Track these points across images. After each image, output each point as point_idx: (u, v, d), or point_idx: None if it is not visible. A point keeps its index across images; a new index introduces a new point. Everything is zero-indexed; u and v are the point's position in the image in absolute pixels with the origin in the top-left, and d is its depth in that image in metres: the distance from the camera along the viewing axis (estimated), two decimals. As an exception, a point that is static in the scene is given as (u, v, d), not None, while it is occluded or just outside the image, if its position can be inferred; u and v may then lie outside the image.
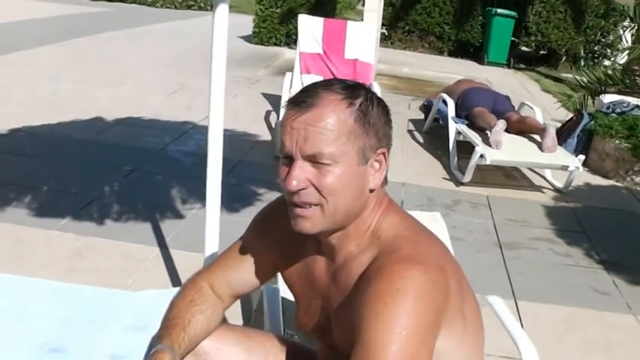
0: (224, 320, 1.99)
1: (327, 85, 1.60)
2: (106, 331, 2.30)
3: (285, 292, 2.20)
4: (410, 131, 7.84)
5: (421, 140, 7.52)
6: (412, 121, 8.26)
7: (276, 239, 1.85)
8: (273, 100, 8.35)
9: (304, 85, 1.68)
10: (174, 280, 3.87)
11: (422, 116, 8.11)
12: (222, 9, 2.84)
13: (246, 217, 4.75)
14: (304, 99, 1.56)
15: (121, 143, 6.33)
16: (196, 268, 2.05)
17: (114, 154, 6.01)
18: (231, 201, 5.02)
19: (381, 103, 1.62)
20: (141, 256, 4.13)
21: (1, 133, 6.19)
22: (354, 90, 1.59)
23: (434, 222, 2.95)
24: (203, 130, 7.25)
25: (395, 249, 1.54)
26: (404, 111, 8.75)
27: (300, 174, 1.54)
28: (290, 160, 1.56)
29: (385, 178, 1.65)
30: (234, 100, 8.15)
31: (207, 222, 3.18)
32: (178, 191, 5.23)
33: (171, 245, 4.29)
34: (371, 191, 1.61)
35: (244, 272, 1.94)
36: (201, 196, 4.97)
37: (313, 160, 1.53)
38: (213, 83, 2.94)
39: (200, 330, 1.88)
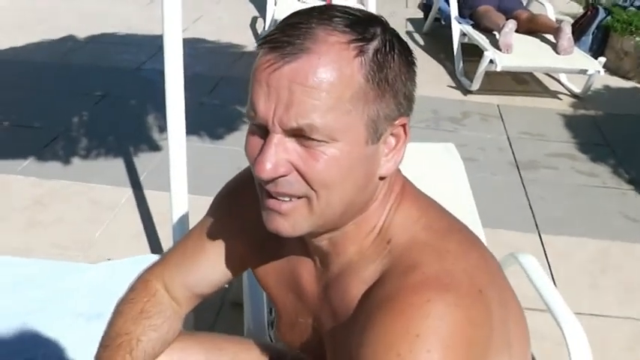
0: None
1: (325, 16, 1.00)
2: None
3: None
4: (409, 32, 7.16)
5: (422, 42, 6.88)
6: (410, 20, 7.60)
7: (247, 224, 1.28)
8: (260, 3, 7.62)
9: (289, 14, 1.07)
10: (149, 229, 3.39)
11: (421, 15, 7.51)
12: None
13: (233, 144, 4.35)
14: (289, 39, 0.98)
15: (92, 64, 5.71)
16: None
17: (83, 78, 5.40)
18: (214, 125, 4.52)
19: (401, 45, 1.04)
20: (110, 201, 3.63)
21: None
22: (365, 27, 1.00)
23: (448, 155, 2.54)
24: (184, 43, 6.73)
25: (412, 265, 1.01)
26: (401, 10, 8.05)
27: (279, 155, 0.99)
28: (264, 132, 1.01)
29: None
30: (216, 7, 7.50)
31: (172, 157, 2.64)
32: (155, 118, 4.65)
33: (146, 185, 3.80)
34: (381, 178, 1.07)
35: (203, 267, 1.41)
36: (180, 123, 4.48)
37: (299, 135, 0.98)
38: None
39: (151, 353, 1.39)
